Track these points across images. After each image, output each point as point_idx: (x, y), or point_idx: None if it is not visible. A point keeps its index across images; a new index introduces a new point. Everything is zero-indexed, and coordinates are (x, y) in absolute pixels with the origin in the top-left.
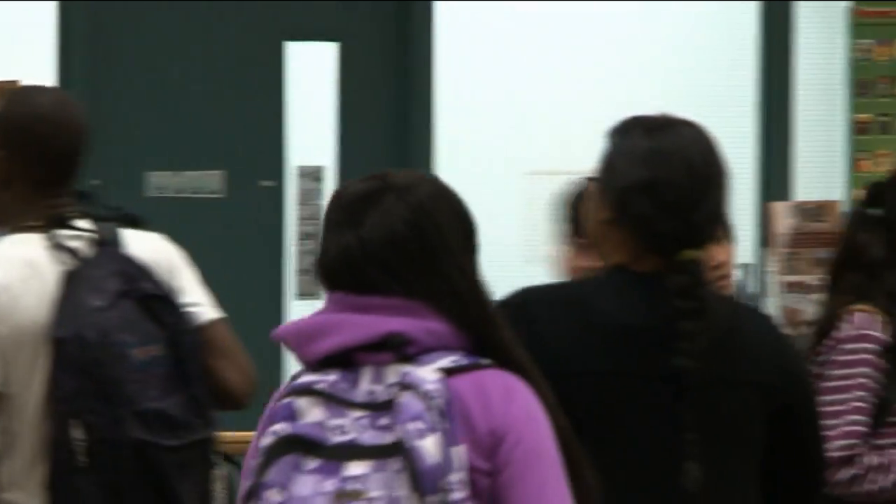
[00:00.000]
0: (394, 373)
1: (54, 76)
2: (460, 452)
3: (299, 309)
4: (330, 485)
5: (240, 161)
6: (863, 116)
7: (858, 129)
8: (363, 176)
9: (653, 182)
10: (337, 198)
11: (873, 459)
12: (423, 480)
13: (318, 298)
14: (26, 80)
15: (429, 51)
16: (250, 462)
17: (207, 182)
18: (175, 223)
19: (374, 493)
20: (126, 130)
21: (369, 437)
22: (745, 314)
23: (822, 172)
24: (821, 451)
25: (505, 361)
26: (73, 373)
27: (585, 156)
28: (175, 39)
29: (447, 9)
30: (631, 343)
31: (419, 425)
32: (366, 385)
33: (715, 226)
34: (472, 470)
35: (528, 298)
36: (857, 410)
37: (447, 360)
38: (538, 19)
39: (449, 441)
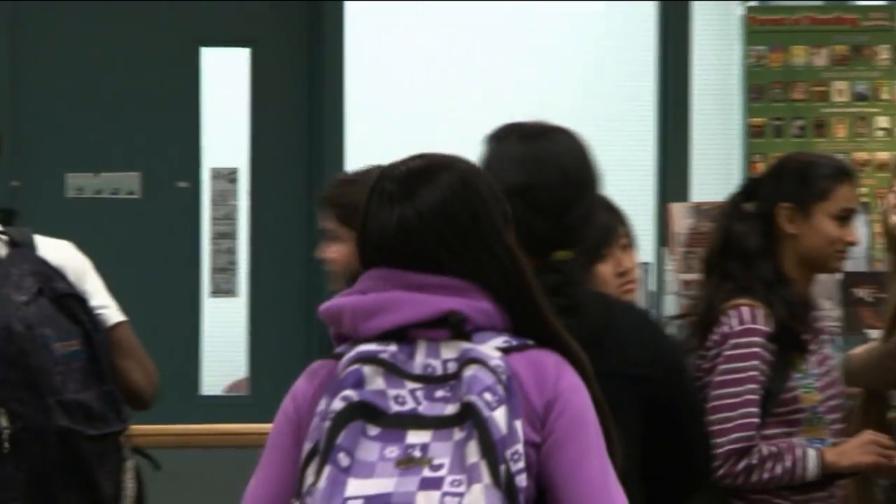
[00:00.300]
0: (448, 348)
1: None
2: (519, 426)
3: (214, 306)
4: (393, 452)
5: (156, 163)
6: (757, 120)
7: (753, 133)
8: (404, 158)
9: (527, 186)
10: (388, 174)
11: (764, 449)
12: (494, 450)
13: (232, 296)
14: None
15: (339, 55)
16: (317, 422)
17: (125, 183)
18: (94, 223)
19: (438, 461)
20: (45, 133)
21: (427, 408)
22: (620, 310)
23: (719, 174)
24: (702, 442)
25: (547, 338)
26: (1, 363)
27: None
28: (93, 44)
29: (357, 13)
30: None
31: (490, 397)
32: (421, 358)
33: (587, 228)
34: (525, 443)
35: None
36: (750, 403)
37: (499, 340)
38: (447, 21)
39: (513, 414)
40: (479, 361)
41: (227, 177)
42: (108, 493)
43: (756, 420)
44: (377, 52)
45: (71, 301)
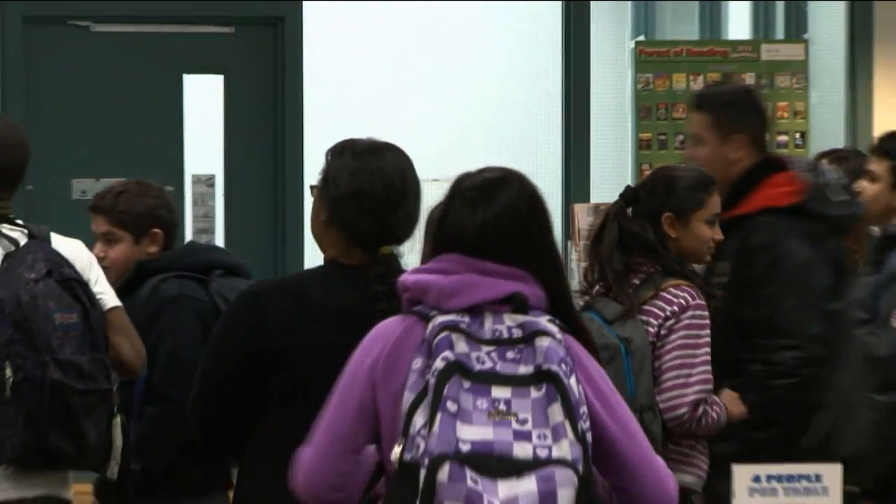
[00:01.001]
0: (510, 318)
1: None
2: (582, 391)
3: None
4: (483, 404)
5: (146, 169)
6: (645, 135)
7: (642, 146)
8: (480, 169)
9: (358, 192)
10: (469, 182)
11: (709, 399)
12: (574, 412)
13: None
14: None
15: (299, 78)
16: (415, 378)
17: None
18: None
19: (522, 416)
20: (55, 145)
21: (503, 367)
22: None
23: (614, 179)
24: None
25: (570, 319)
26: (8, 325)
27: (455, 163)
28: (96, 70)
29: (316, 44)
30: (340, 320)
31: (565, 367)
32: (489, 325)
33: (409, 228)
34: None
35: (259, 289)
36: (706, 362)
37: (545, 318)
38: (396, 42)
39: (577, 381)
40: (548, 334)
41: (205, 182)
42: (93, 440)
43: (711, 376)
44: (330, 74)
45: (74, 284)
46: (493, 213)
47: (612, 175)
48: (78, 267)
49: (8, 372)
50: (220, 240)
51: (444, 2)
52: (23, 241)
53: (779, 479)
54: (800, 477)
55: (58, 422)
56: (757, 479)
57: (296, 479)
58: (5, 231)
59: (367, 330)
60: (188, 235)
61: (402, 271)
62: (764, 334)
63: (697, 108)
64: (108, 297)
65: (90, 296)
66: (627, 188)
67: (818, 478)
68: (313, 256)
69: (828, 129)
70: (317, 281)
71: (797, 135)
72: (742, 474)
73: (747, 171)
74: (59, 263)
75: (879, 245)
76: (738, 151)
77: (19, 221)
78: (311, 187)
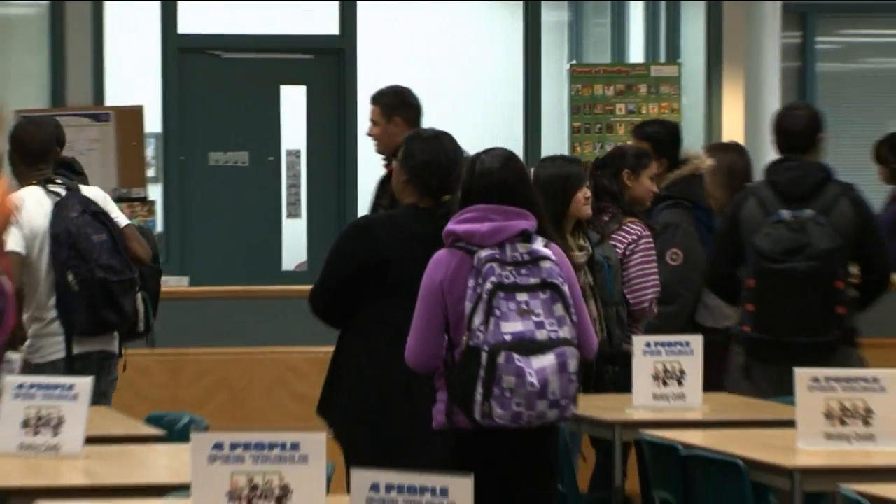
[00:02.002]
0: (522, 246)
1: (161, 99)
2: (569, 291)
3: (288, 224)
4: (513, 306)
5: (256, 146)
6: (576, 125)
7: (574, 132)
8: (490, 148)
9: (429, 161)
10: (486, 155)
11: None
12: (569, 308)
13: (298, 218)
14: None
15: (355, 89)
16: (471, 293)
17: (240, 157)
18: (224, 179)
19: (537, 311)
20: (199, 130)
21: (521, 280)
22: None
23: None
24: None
25: (550, 238)
26: (65, 248)
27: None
28: (225, 82)
29: (365, 65)
30: (420, 241)
31: (560, 280)
32: (510, 253)
33: (457, 184)
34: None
35: (366, 221)
36: (656, 274)
37: (541, 240)
38: (415, 64)
39: (569, 287)
40: (548, 259)
41: (294, 154)
42: (129, 311)
43: (658, 282)
44: (373, 84)
45: (99, 215)
46: (506, 173)
47: (556, 150)
48: (100, 204)
49: (70, 277)
50: (304, 192)
51: (439, 41)
52: (63, 193)
53: (399, 489)
54: (423, 489)
55: (106, 303)
56: (375, 487)
57: (408, 357)
58: (51, 188)
59: (435, 248)
60: (283, 187)
61: (454, 211)
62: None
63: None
64: (121, 219)
65: (111, 221)
66: (597, 158)
67: (444, 492)
68: (364, 203)
69: (693, 121)
70: (403, 216)
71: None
72: (360, 481)
73: None
74: (88, 203)
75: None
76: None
77: (59, 180)
78: (394, 160)
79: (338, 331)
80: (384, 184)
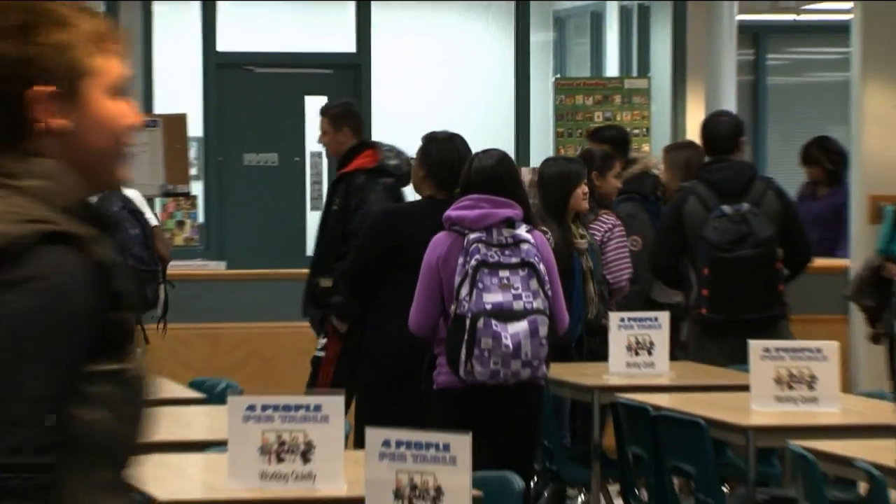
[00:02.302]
0: (507, 231)
1: (202, 107)
2: (545, 269)
3: (311, 215)
4: (495, 280)
5: (284, 148)
6: (560, 129)
7: (559, 136)
8: (487, 150)
9: (444, 159)
10: (482, 153)
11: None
12: (543, 283)
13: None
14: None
15: (369, 98)
16: (460, 269)
17: (270, 158)
18: (258, 177)
19: (515, 286)
20: (237, 135)
21: (504, 259)
22: None
23: (544, 154)
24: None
25: (532, 224)
26: None
27: None
28: (257, 93)
29: (377, 77)
30: (437, 227)
31: (536, 259)
32: (495, 237)
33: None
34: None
35: (391, 209)
36: (629, 257)
37: (524, 226)
38: (418, 75)
39: (545, 266)
40: (527, 241)
41: (317, 156)
42: (150, 298)
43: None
44: (384, 93)
45: (136, 213)
46: (499, 170)
47: (543, 152)
48: (136, 203)
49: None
50: (324, 188)
51: (442, 60)
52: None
53: (407, 444)
54: (427, 445)
55: (136, 290)
56: (387, 443)
57: (409, 324)
58: None
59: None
60: (307, 183)
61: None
62: None
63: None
64: (151, 219)
65: (143, 219)
66: (581, 154)
67: (446, 447)
68: None
69: (661, 127)
70: (423, 206)
71: (644, 129)
72: (373, 438)
73: None
74: (126, 202)
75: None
76: None
77: None
78: (413, 160)
79: (360, 304)
80: (335, 185)
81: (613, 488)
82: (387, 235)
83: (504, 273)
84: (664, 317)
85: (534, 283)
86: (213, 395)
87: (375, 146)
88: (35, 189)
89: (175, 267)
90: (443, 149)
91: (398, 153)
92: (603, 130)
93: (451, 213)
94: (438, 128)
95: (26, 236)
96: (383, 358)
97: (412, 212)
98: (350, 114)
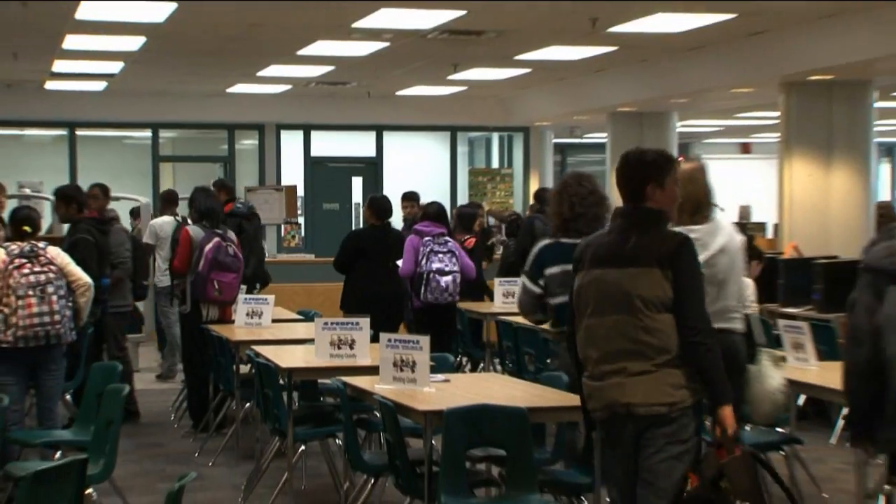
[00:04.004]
0: (441, 238)
1: (303, 182)
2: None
3: None
4: (437, 258)
5: (342, 203)
6: (472, 193)
7: (470, 198)
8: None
9: (381, 207)
10: (432, 206)
11: None
12: (457, 259)
13: None
14: None
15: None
16: (422, 250)
17: (333, 206)
18: (329, 217)
19: (445, 260)
20: (317, 194)
21: (440, 248)
22: None
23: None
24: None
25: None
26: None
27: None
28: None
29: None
30: (378, 240)
31: (455, 249)
32: (436, 239)
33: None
34: None
35: (357, 232)
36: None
37: (449, 239)
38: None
39: (455, 248)
40: (450, 242)
41: (357, 206)
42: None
43: None
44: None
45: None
46: (438, 209)
47: (462, 201)
48: (146, 237)
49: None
50: (360, 224)
51: (419, 162)
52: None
53: (398, 341)
54: (408, 340)
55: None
56: (389, 340)
57: (402, 272)
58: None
59: (384, 243)
60: (352, 224)
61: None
62: None
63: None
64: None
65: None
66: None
67: (417, 342)
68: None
69: (518, 195)
70: (370, 228)
71: (510, 193)
72: (383, 338)
73: None
74: (133, 238)
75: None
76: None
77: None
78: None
79: (342, 275)
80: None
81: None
82: (354, 244)
83: (441, 255)
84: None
85: (454, 259)
86: (308, 317)
87: (232, 200)
88: None
89: (290, 257)
90: (379, 199)
91: (244, 203)
92: (538, 192)
93: (418, 227)
94: (410, 190)
95: None
96: (356, 302)
97: (364, 231)
98: (225, 186)
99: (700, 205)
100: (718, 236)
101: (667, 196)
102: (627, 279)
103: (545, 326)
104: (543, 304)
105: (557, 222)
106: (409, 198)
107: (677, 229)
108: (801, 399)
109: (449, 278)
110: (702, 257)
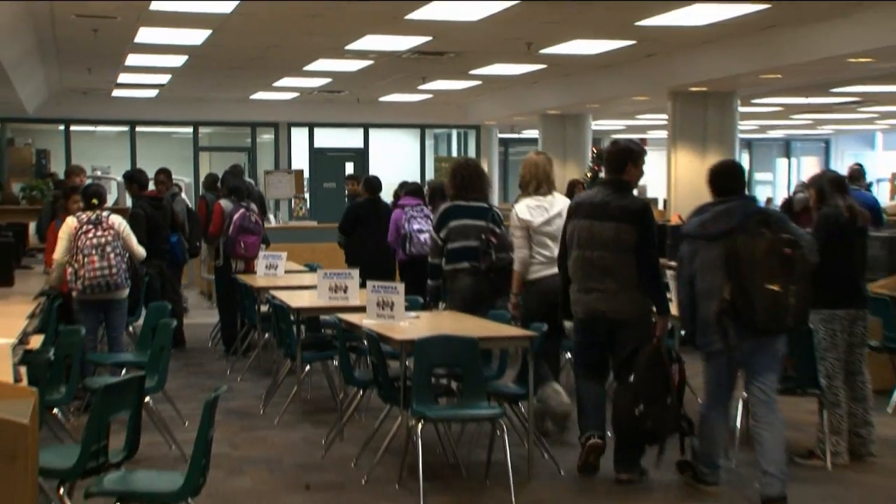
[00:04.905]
0: (418, 208)
1: (308, 166)
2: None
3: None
4: (417, 222)
5: (338, 182)
6: (437, 176)
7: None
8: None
9: (372, 184)
10: (409, 183)
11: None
12: (430, 222)
13: None
14: None
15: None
16: (403, 217)
17: (331, 185)
18: (327, 195)
19: (424, 224)
20: (319, 175)
21: (418, 214)
22: None
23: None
24: None
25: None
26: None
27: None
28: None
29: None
30: (371, 209)
31: (430, 214)
32: (416, 209)
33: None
34: None
35: (354, 205)
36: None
37: (424, 207)
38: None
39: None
40: (426, 209)
41: (350, 183)
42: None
43: None
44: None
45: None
46: (416, 188)
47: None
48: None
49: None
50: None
51: (397, 153)
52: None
53: (381, 288)
54: (388, 286)
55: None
56: (373, 286)
57: (389, 238)
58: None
59: (377, 214)
60: (345, 202)
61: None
62: None
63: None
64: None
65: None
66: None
67: (395, 287)
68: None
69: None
70: (365, 201)
71: None
72: (370, 285)
73: None
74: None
75: None
76: None
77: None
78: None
79: (345, 236)
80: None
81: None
82: (353, 214)
83: (419, 219)
84: None
85: (428, 222)
86: (312, 269)
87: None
88: None
89: (299, 224)
90: (372, 179)
91: (178, 187)
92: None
93: (401, 202)
94: (393, 178)
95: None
96: (354, 258)
97: (361, 204)
98: (165, 171)
99: (540, 183)
100: (556, 205)
101: (637, 172)
102: (609, 229)
103: (443, 266)
104: (443, 249)
105: (453, 192)
106: (352, 178)
107: (527, 199)
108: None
109: (426, 235)
110: (543, 218)
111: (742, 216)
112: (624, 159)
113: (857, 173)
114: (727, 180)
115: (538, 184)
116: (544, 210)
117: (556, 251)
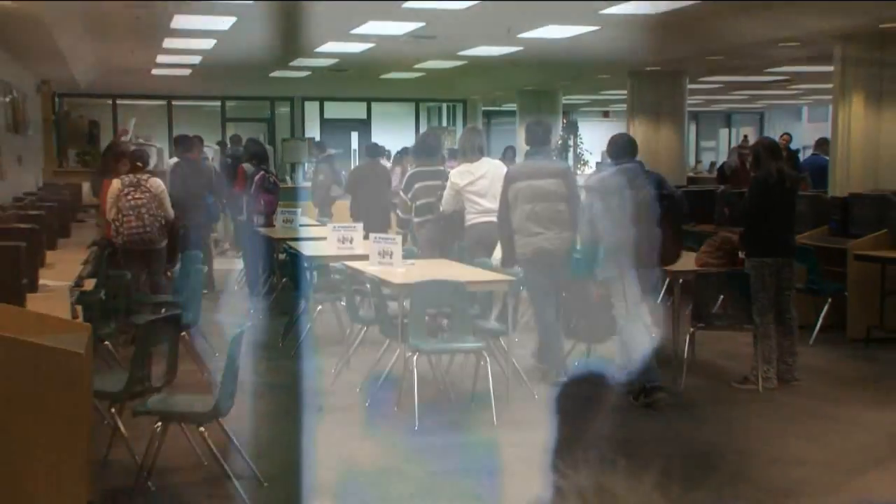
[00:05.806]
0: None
1: (319, 134)
2: None
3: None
4: (424, 184)
5: (344, 149)
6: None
7: None
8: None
9: (374, 150)
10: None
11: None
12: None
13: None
14: None
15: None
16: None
17: (337, 151)
18: (336, 158)
19: (434, 186)
20: (327, 142)
21: (428, 172)
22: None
23: None
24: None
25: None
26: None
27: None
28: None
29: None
30: (371, 170)
31: (446, 176)
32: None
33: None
34: None
35: (360, 165)
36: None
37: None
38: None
39: None
40: (441, 170)
41: (354, 152)
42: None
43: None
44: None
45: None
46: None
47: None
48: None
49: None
50: (352, 167)
51: (397, 122)
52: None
53: (381, 238)
54: (387, 238)
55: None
56: (375, 237)
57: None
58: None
59: (383, 177)
60: (352, 165)
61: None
62: None
63: None
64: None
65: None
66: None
67: (394, 238)
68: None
69: None
70: (366, 163)
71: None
72: (372, 237)
73: None
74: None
75: None
76: None
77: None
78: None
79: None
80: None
81: None
82: (359, 173)
83: (430, 178)
84: None
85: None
86: (323, 223)
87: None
88: None
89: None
90: (372, 145)
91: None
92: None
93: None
94: (392, 144)
95: None
96: (362, 213)
97: (360, 166)
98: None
99: (466, 150)
100: (482, 168)
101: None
102: (549, 185)
103: (412, 219)
104: (411, 206)
105: (415, 160)
106: (318, 146)
107: (460, 166)
108: None
109: (438, 193)
110: (468, 179)
111: (632, 175)
112: (549, 133)
113: (787, 142)
114: (620, 149)
115: (465, 151)
116: (470, 174)
117: (484, 204)
